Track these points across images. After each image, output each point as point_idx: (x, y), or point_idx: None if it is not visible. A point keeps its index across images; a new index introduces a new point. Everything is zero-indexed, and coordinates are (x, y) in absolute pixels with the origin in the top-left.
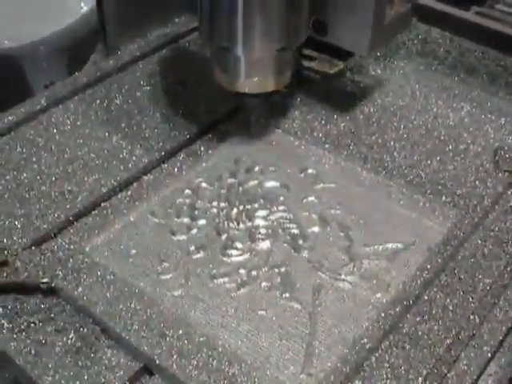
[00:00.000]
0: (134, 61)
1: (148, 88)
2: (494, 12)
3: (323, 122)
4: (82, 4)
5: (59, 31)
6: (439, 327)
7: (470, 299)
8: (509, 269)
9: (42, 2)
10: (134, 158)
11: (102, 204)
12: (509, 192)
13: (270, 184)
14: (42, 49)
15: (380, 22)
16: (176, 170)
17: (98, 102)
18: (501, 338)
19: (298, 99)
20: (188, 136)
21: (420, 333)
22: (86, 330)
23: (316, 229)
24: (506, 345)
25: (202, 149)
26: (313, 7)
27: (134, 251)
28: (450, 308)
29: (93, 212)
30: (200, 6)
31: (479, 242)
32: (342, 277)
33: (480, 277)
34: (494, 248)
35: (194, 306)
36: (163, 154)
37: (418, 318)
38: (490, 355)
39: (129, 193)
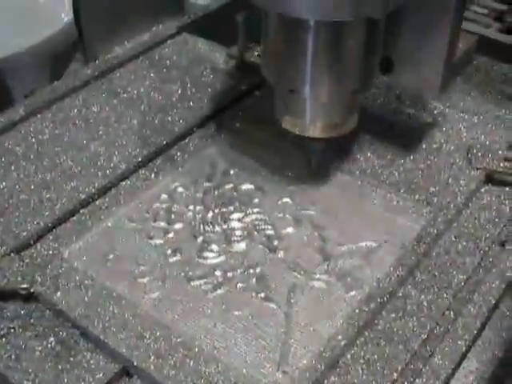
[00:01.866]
0: (112, 69)
1: (125, 95)
2: (468, 13)
3: None
4: (63, 15)
5: (41, 42)
6: (414, 323)
7: (445, 295)
8: (483, 264)
9: (24, 13)
10: (111, 164)
11: (81, 210)
12: (482, 189)
13: (246, 187)
14: (25, 60)
15: (450, 59)
16: (153, 175)
17: (75, 110)
18: (475, 332)
19: (261, 100)
20: (165, 142)
21: (395, 329)
22: (65, 334)
23: (290, 229)
24: (485, 340)
25: (179, 154)
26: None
27: (111, 256)
28: (425, 304)
29: (71, 218)
30: (264, 43)
31: (453, 238)
32: (317, 276)
33: (454, 273)
34: (468, 244)
35: (170, 308)
36: (140, 160)
37: (392, 315)
38: (464, 350)
39: (106, 199)
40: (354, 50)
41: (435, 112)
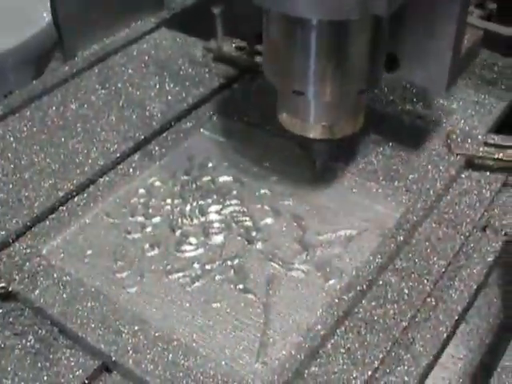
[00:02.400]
0: (89, 66)
1: (103, 92)
2: None
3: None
4: (45, 14)
5: (24, 42)
6: (395, 311)
7: (425, 282)
8: (464, 250)
9: (5, 13)
10: (89, 161)
11: (60, 208)
12: (462, 175)
13: (224, 179)
14: (7, 61)
15: (457, 55)
16: (131, 170)
17: (54, 108)
18: (456, 318)
19: (250, 93)
20: (143, 137)
21: (375, 317)
22: (44, 331)
23: (269, 220)
24: (473, 327)
25: (157, 148)
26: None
27: (89, 252)
28: (406, 291)
29: (50, 216)
30: (266, 43)
31: (433, 225)
32: (296, 266)
33: (435, 259)
34: (449, 230)
35: (149, 302)
36: (118, 155)
37: (373, 303)
38: (445, 336)
39: (85, 195)
40: (360, 49)
41: (415, 99)
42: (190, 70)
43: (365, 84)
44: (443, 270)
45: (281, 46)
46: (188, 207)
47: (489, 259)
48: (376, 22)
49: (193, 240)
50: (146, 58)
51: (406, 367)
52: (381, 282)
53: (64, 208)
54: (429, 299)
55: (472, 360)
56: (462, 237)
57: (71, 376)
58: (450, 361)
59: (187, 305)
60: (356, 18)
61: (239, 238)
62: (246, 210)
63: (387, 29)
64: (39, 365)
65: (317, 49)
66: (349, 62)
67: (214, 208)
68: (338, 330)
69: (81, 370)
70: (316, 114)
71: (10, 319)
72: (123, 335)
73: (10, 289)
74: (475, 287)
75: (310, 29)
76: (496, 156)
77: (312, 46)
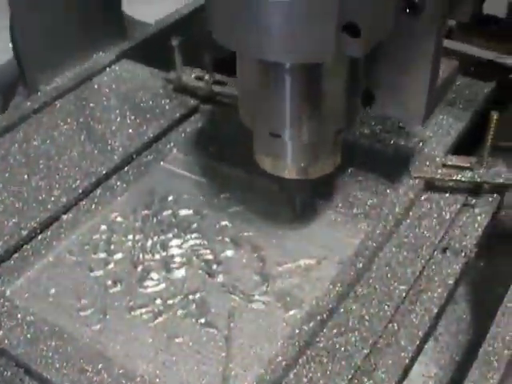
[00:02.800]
0: (52, 101)
1: (65, 127)
2: None
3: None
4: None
5: None
6: (356, 338)
7: (386, 307)
8: (425, 273)
9: None
10: (52, 198)
11: (24, 246)
12: (421, 197)
13: (184, 212)
14: None
15: (433, 88)
16: (93, 206)
17: (16, 145)
18: (418, 343)
19: (210, 125)
20: (104, 172)
21: (337, 345)
22: (9, 373)
23: (229, 252)
24: (443, 344)
25: (118, 183)
26: None
27: (53, 291)
28: (367, 318)
29: (13, 255)
30: (240, 86)
31: (393, 249)
32: (256, 298)
33: (396, 284)
34: (409, 254)
35: (112, 340)
36: (81, 191)
37: (334, 331)
38: (407, 361)
39: (49, 233)
40: (336, 89)
41: (372, 123)
42: (150, 101)
43: (342, 123)
44: (404, 294)
45: (254, 88)
46: (149, 242)
47: (449, 282)
48: (351, 61)
49: (154, 275)
50: (107, 90)
51: None
52: (342, 310)
53: (28, 247)
54: (390, 325)
55: (442, 378)
56: (423, 260)
57: None
58: (420, 379)
59: (150, 341)
60: (331, 60)
61: (200, 271)
62: (206, 242)
63: (363, 67)
64: None
65: (292, 91)
66: (325, 102)
67: (175, 242)
68: (299, 360)
69: None
70: (293, 156)
71: None
72: (87, 373)
73: None
74: (436, 311)
75: (285, 71)
76: (455, 177)
77: (287, 89)
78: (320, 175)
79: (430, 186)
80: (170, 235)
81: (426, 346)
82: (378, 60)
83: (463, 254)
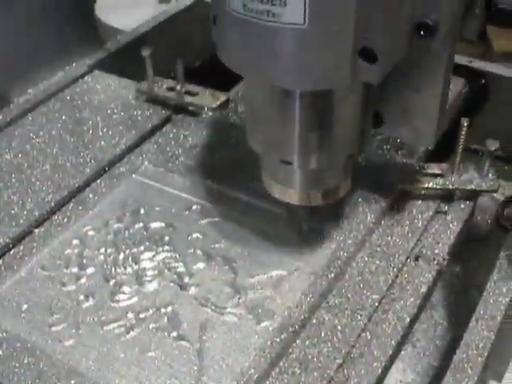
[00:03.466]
0: (24, 114)
1: (37, 140)
2: None
3: (206, 157)
4: None
5: None
6: (329, 349)
7: (359, 317)
8: (398, 282)
9: None
10: (25, 212)
11: None
12: (394, 205)
13: (155, 225)
14: None
15: (444, 108)
16: (65, 220)
17: None
18: (390, 352)
19: (182, 136)
20: (77, 185)
21: (310, 356)
22: None
23: (201, 265)
24: (420, 350)
25: (91, 196)
26: None
27: (25, 306)
28: (339, 328)
29: None
30: (249, 113)
31: (366, 258)
32: (228, 310)
33: (368, 294)
34: (382, 263)
35: (85, 355)
36: (53, 205)
37: (306, 342)
38: (380, 371)
39: (21, 248)
40: (349, 115)
41: None
42: (122, 113)
43: (355, 149)
44: (377, 303)
45: (264, 115)
46: (121, 256)
47: (422, 290)
48: (365, 87)
49: (127, 289)
50: (80, 102)
51: None
52: (314, 321)
53: (0, 262)
54: (363, 334)
55: (420, 383)
56: (395, 269)
57: None
58: None
59: (122, 355)
60: (346, 87)
61: (172, 284)
62: (178, 255)
63: (375, 91)
64: None
65: (303, 118)
66: (338, 129)
67: (146, 255)
68: (272, 372)
69: None
70: (306, 183)
71: None
72: None
73: None
74: (408, 319)
75: (296, 98)
76: (426, 185)
77: (298, 116)
78: (331, 201)
79: (402, 193)
80: (142, 248)
81: (402, 352)
82: (388, 81)
83: (435, 262)
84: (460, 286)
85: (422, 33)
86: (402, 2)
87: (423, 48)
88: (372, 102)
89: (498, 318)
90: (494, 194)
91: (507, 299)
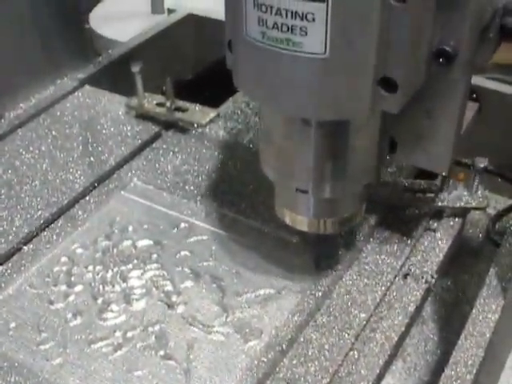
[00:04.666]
0: (13, 129)
1: (27, 156)
2: None
3: (195, 174)
4: None
5: None
6: (316, 368)
7: (347, 336)
8: (386, 300)
9: None
10: (14, 228)
11: None
12: (382, 223)
13: (144, 242)
14: None
15: (459, 134)
16: (54, 237)
17: None
18: (378, 371)
19: (171, 152)
20: (66, 201)
21: (297, 376)
22: None
23: (189, 283)
24: (410, 365)
25: (80, 213)
26: None
27: (13, 324)
28: (326, 347)
29: None
30: (265, 140)
31: (354, 276)
32: (215, 329)
33: (356, 312)
34: (370, 281)
35: (72, 374)
36: (42, 222)
37: (294, 361)
38: None
39: (10, 265)
40: (368, 144)
41: None
42: (112, 128)
43: (371, 178)
44: (364, 322)
45: (281, 143)
46: (109, 273)
47: (410, 309)
48: (382, 115)
49: (114, 307)
50: (70, 118)
51: None
52: (301, 340)
53: None
54: (351, 353)
55: None
56: (383, 287)
57: None
58: None
59: (110, 374)
60: (365, 116)
61: (160, 302)
62: (166, 273)
63: (391, 119)
64: None
65: (320, 147)
66: (355, 159)
67: (134, 273)
68: None
69: None
70: (321, 211)
71: None
72: None
73: None
74: (396, 338)
75: (313, 127)
76: (416, 202)
77: (315, 145)
78: (346, 229)
79: (392, 210)
80: (130, 266)
81: (393, 367)
82: (403, 107)
83: (424, 280)
84: (451, 300)
85: (440, 60)
86: (422, 31)
87: (441, 75)
88: (388, 130)
89: (488, 335)
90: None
91: (496, 316)
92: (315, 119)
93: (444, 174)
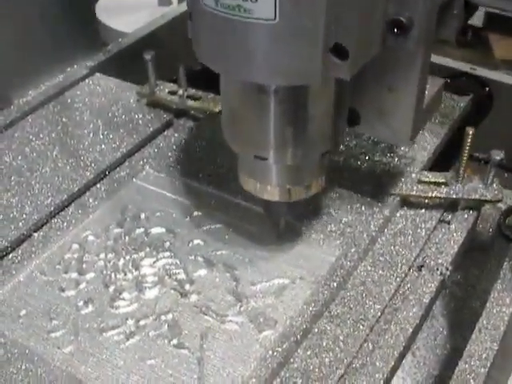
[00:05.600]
0: (24, 116)
1: (37, 142)
2: None
3: (208, 162)
4: None
5: None
6: (330, 359)
7: (361, 327)
8: (400, 292)
9: None
10: (24, 215)
11: None
12: (397, 214)
13: (156, 230)
14: None
15: (420, 108)
16: (65, 224)
17: None
18: (393, 363)
19: (183, 140)
20: (77, 188)
21: (311, 367)
22: None
23: (202, 272)
24: (420, 359)
25: (91, 200)
26: None
27: (23, 311)
28: (341, 338)
29: None
30: (225, 108)
31: (369, 268)
32: (229, 318)
33: (371, 303)
34: (384, 272)
35: (84, 362)
36: (53, 209)
37: (308, 352)
38: (382, 382)
39: (20, 252)
40: (322, 111)
41: (347, 138)
42: (123, 116)
43: (328, 146)
44: (379, 313)
45: (239, 111)
46: (121, 261)
47: (425, 300)
48: (338, 83)
49: (126, 295)
50: (81, 105)
51: None
52: (316, 330)
53: None
54: (365, 345)
55: None
56: (398, 278)
57: None
58: None
59: (122, 363)
60: (318, 83)
61: (172, 291)
62: (178, 262)
63: (349, 88)
64: None
65: (277, 114)
66: (311, 125)
67: (147, 261)
68: (273, 382)
69: None
70: (277, 178)
71: None
72: None
73: None
74: (411, 330)
75: (270, 94)
76: (430, 194)
77: (272, 112)
78: (304, 198)
79: (406, 202)
80: (142, 254)
81: (403, 361)
82: (364, 80)
83: (439, 272)
84: (460, 294)
85: (395, 31)
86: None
87: (397, 47)
88: (345, 100)
89: (502, 329)
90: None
91: (511, 309)
92: (269, 85)
93: (406, 148)
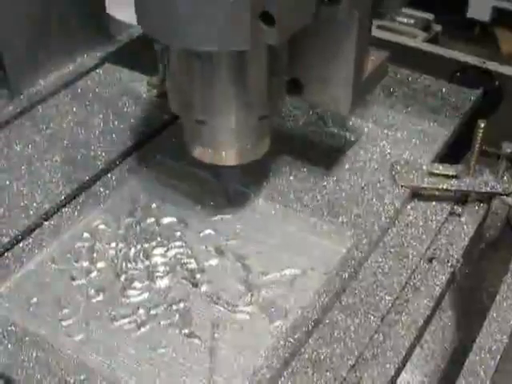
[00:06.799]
0: (34, 105)
1: (47, 132)
2: (393, 24)
3: None
4: None
5: None
6: (341, 349)
7: (372, 318)
8: (411, 283)
9: None
10: (34, 204)
11: (5, 254)
12: (408, 206)
13: (167, 220)
14: None
15: (359, 77)
16: (76, 213)
17: None
18: (404, 354)
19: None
20: (87, 177)
21: (322, 357)
22: None
23: (213, 261)
24: (428, 352)
25: (102, 189)
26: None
27: (34, 300)
28: (352, 329)
29: None
30: (168, 76)
31: (379, 259)
32: (240, 308)
33: (381, 294)
34: (395, 264)
35: (95, 350)
36: (63, 198)
37: (319, 342)
38: (393, 372)
39: (30, 240)
40: (258, 76)
41: (358, 129)
42: (133, 106)
43: (266, 110)
44: (390, 304)
45: (180, 76)
46: (132, 251)
47: (435, 292)
48: (272, 49)
49: (137, 284)
50: (91, 95)
51: None
52: (327, 321)
53: (9, 254)
54: (376, 335)
55: None
56: (409, 270)
57: None
58: None
59: (133, 352)
60: (248, 48)
61: (184, 280)
62: (190, 251)
63: (285, 54)
64: None
65: (214, 78)
66: (247, 89)
67: (158, 251)
68: (284, 372)
69: None
70: (221, 142)
71: None
72: None
73: None
74: (422, 321)
75: (207, 59)
76: (441, 186)
77: (209, 76)
78: (249, 161)
79: (416, 194)
80: (154, 243)
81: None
82: (304, 49)
83: (449, 264)
84: (469, 287)
85: (326, 0)
86: None
87: (331, 16)
88: (282, 66)
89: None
90: (505, 197)
91: None
92: (201, 50)
93: (344, 114)
